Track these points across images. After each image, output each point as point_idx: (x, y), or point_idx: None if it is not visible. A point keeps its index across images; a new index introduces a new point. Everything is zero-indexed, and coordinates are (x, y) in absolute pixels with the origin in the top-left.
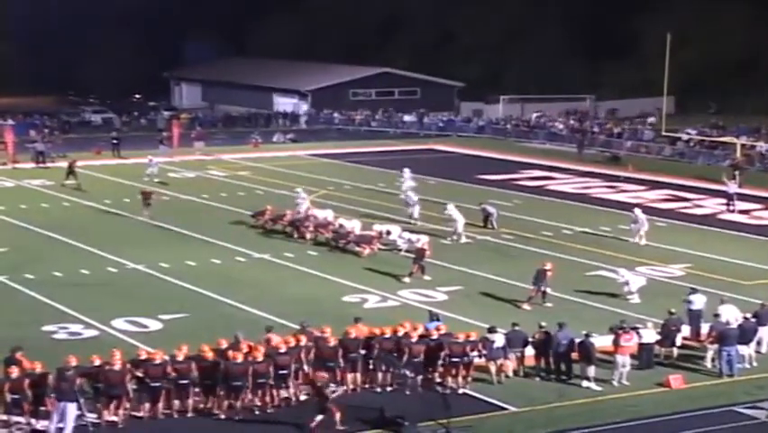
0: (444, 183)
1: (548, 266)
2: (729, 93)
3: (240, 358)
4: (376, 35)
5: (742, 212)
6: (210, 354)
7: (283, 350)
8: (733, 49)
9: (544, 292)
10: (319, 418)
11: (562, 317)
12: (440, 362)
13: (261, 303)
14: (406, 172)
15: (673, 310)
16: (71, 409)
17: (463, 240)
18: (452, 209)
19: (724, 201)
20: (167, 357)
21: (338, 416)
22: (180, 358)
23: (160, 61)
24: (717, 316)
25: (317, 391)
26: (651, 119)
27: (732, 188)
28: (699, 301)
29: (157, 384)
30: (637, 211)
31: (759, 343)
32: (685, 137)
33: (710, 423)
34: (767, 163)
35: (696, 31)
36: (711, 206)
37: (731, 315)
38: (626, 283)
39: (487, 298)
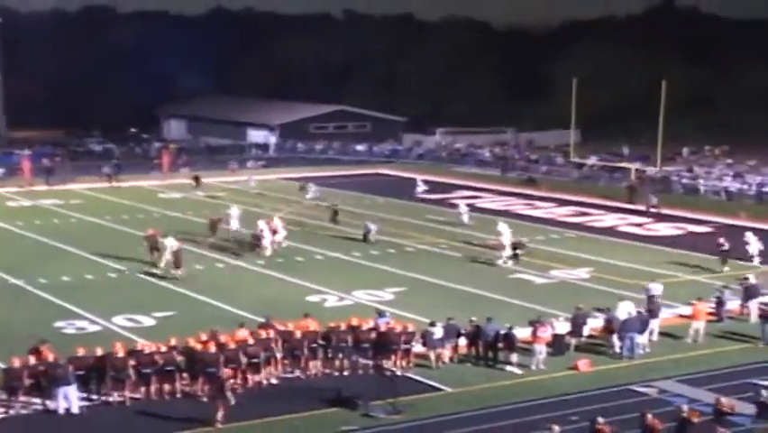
0: (390, 202)
1: (525, 239)
2: (627, 125)
3: (213, 349)
4: (333, 78)
5: (636, 225)
6: (199, 346)
7: (252, 342)
8: (629, 88)
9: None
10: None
11: (490, 313)
12: (390, 348)
13: (237, 302)
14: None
15: (581, 306)
16: (72, 391)
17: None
18: (502, 227)
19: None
20: (155, 347)
21: (220, 414)
22: (163, 349)
23: (152, 100)
24: (609, 310)
25: (219, 386)
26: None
27: (653, 201)
28: (656, 289)
29: (147, 370)
30: (749, 234)
31: (651, 333)
32: (590, 162)
33: (611, 399)
34: (656, 185)
35: (598, 73)
36: (611, 220)
37: (628, 310)
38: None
39: (427, 297)
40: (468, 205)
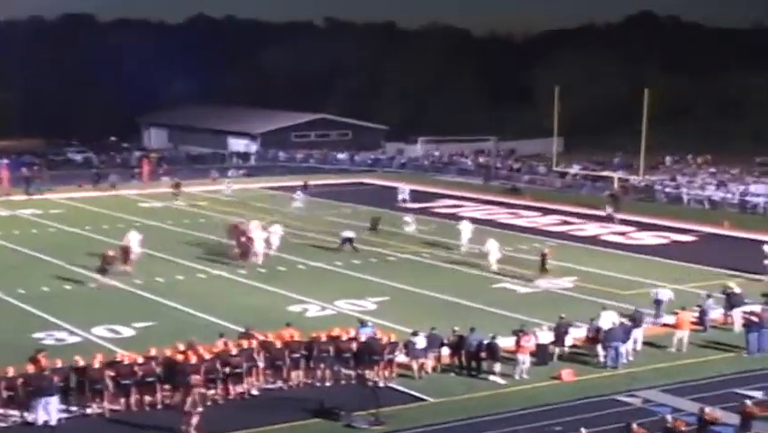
0: (374, 210)
1: (546, 250)
2: (609, 133)
3: (194, 359)
4: (315, 86)
5: (619, 233)
6: (180, 356)
7: (234, 352)
8: (610, 96)
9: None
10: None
11: (473, 322)
12: (373, 359)
13: (218, 312)
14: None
15: (563, 315)
16: (54, 403)
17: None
18: (464, 225)
19: (606, 219)
20: (135, 358)
21: (195, 420)
22: (142, 360)
23: (132, 108)
24: (592, 320)
25: (187, 395)
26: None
27: (609, 209)
28: (664, 294)
29: (126, 382)
30: (766, 247)
31: (635, 342)
32: (573, 171)
33: (595, 409)
34: (639, 194)
35: (580, 81)
36: (594, 229)
37: (612, 319)
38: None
39: (410, 306)
40: (414, 214)
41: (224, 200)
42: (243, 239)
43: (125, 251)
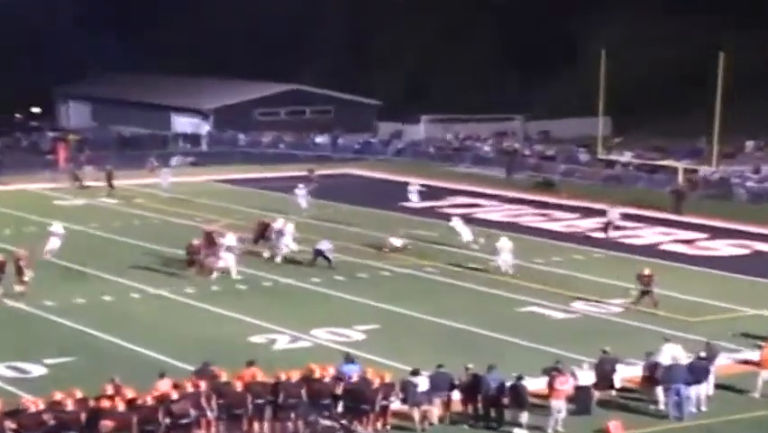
0: (364, 211)
1: (647, 271)
2: (670, 112)
3: (122, 406)
4: (285, 49)
5: (684, 242)
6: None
7: (176, 397)
8: (676, 61)
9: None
10: None
11: (492, 358)
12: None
13: (157, 344)
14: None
15: (607, 349)
16: None
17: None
18: (456, 223)
19: (602, 224)
20: (44, 404)
21: None
22: (56, 406)
23: (45, 77)
24: (649, 354)
25: None
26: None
27: (613, 213)
28: None
29: None
30: None
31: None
32: (623, 160)
33: None
34: (711, 189)
35: (634, 42)
36: (651, 235)
37: (676, 355)
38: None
39: (409, 336)
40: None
41: (164, 197)
42: (197, 242)
43: (17, 263)
